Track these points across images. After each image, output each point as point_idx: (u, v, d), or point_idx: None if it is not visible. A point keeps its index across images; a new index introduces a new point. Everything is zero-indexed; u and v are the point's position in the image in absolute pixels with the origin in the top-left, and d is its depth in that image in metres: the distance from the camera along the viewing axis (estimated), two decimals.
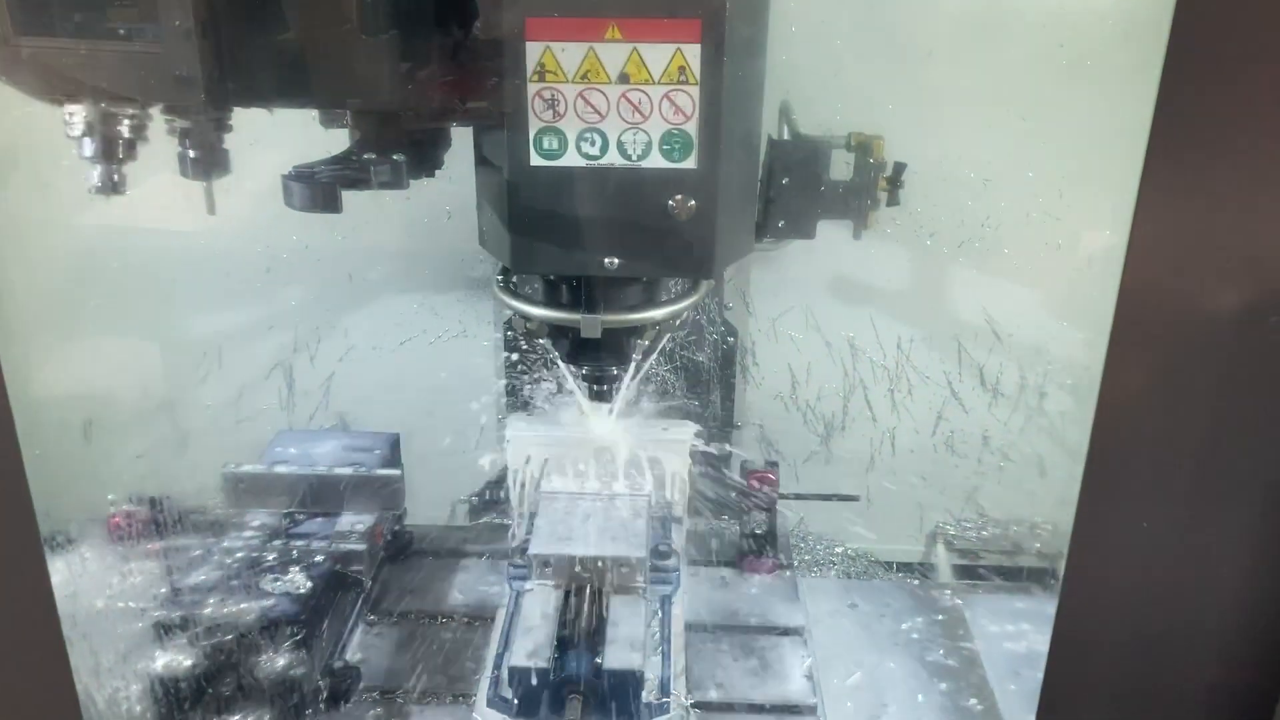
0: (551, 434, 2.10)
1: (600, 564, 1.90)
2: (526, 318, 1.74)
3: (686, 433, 2.13)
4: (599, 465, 2.10)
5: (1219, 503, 1.20)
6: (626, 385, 1.85)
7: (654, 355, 1.81)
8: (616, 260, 1.55)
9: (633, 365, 1.80)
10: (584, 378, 1.83)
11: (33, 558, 1.15)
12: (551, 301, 1.73)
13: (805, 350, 2.57)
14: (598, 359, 1.77)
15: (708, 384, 2.46)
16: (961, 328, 2.53)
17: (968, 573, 2.59)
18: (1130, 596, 1.26)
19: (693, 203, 1.50)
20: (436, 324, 2.62)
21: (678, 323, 1.77)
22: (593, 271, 1.58)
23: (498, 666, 1.85)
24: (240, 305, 2.60)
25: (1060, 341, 2.49)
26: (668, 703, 1.81)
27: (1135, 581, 1.25)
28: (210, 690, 1.83)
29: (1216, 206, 1.08)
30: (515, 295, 1.76)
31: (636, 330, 1.73)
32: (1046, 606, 2.41)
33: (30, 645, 1.19)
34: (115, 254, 2.49)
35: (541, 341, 1.76)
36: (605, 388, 1.84)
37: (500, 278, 1.80)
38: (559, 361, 1.81)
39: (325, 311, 2.61)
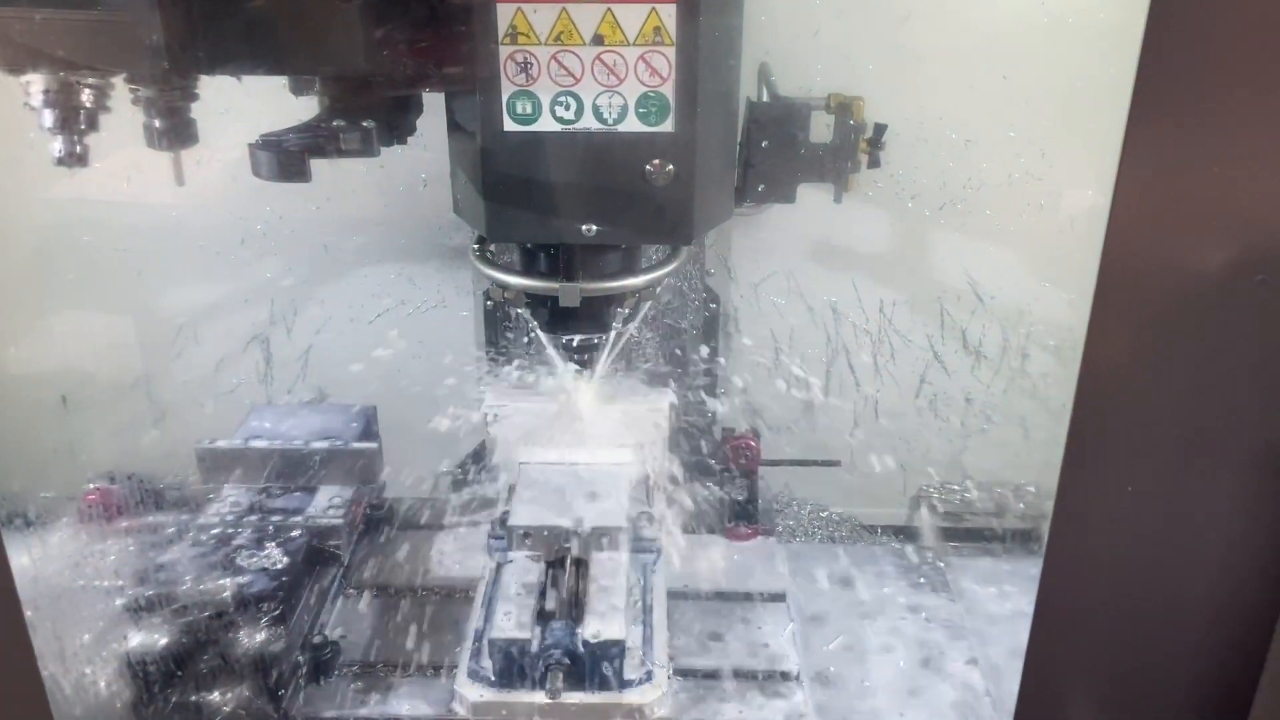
0: (530, 403, 2.08)
1: (580, 534, 1.89)
2: (504, 287, 1.72)
3: (664, 400, 2.11)
4: (578, 434, 2.08)
5: (1203, 464, 1.20)
6: (607, 355, 1.83)
7: (635, 323, 1.78)
8: (594, 227, 1.53)
9: (613, 334, 1.78)
10: (564, 347, 1.81)
11: None
12: (529, 270, 1.70)
13: (788, 315, 2.55)
14: (577, 328, 1.75)
15: (690, 351, 2.44)
16: (944, 290, 2.52)
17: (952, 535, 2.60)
18: (1115, 559, 1.25)
19: (671, 167, 1.47)
20: (415, 294, 2.59)
21: (658, 290, 1.75)
22: (570, 239, 1.56)
23: (478, 639, 1.84)
24: (215, 278, 2.56)
25: (1043, 302, 2.49)
26: (650, 671, 1.80)
27: (1120, 543, 1.24)
28: (188, 668, 1.82)
29: (1200, 166, 1.06)
30: (492, 264, 1.74)
31: (616, 298, 1.71)
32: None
33: None
34: (84, 227, 2.45)
35: (520, 311, 1.74)
36: (585, 357, 1.82)
37: (477, 246, 1.77)
38: (538, 331, 1.79)
39: (301, 283, 2.57)
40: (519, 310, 1.74)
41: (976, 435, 2.62)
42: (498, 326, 2.40)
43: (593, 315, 1.73)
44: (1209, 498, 1.21)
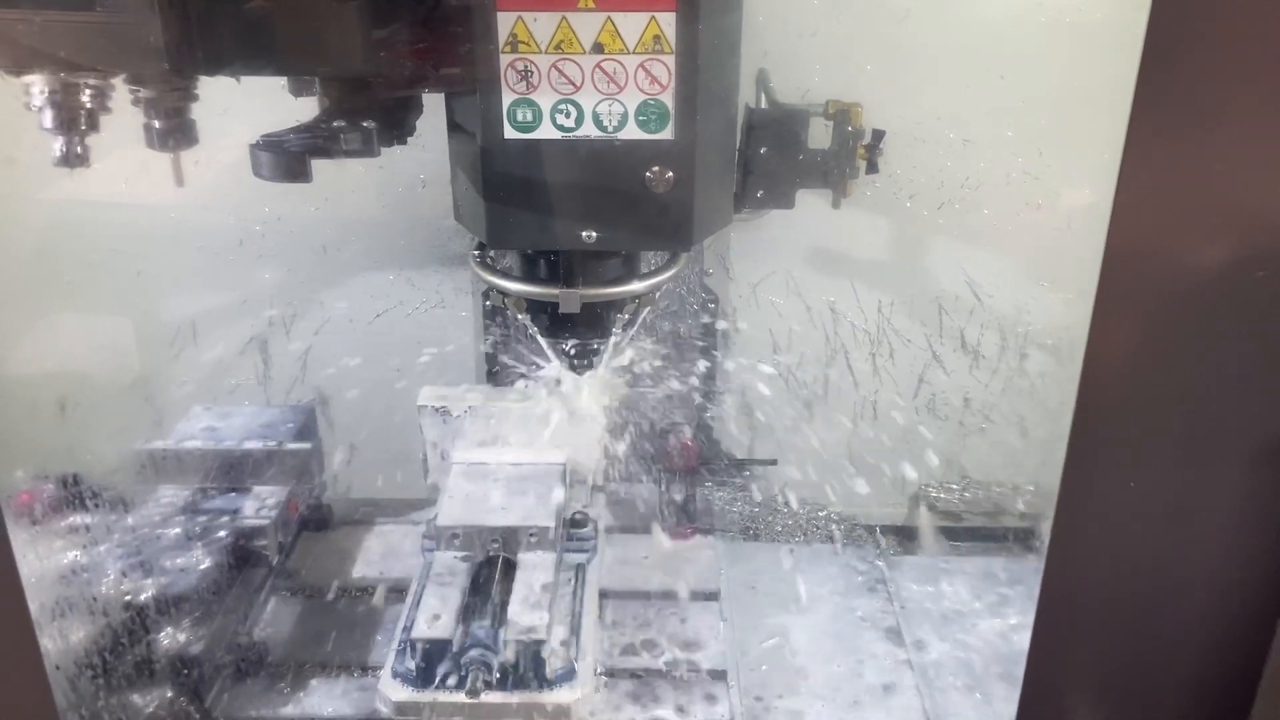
0: (465, 401, 2.07)
1: (509, 533, 1.89)
2: (504, 293, 1.72)
3: (600, 398, 2.11)
4: (514, 432, 2.07)
5: (1206, 461, 1.20)
6: (606, 360, 1.84)
7: (634, 328, 1.79)
8: (594, 234, 1.53)
9: (612, 339, 1.78)
10: (564, 352, 1.82)
11: None
12: (529, 276, 1.70)
13: (786, 315, 2.56)
14: (577, 333, 1.75)
15: (687, 351, 2.44)
16: (942, 290, 2.53)
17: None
18: (1117, 556, 1.26)
19: (670, 174, 1.47)
20: (414, 295, 2.59)
21: (657, 295, 1.75)
22: (570, 246, 1.56)
23: (404, 638, 1.84)
24: (213, 280, 2.56)
25: (1040, 302, 2.49)
26: (573, 669, 1.80)
27: (1122, 540, 1.25)
28: (110, 669, 1.80)
29: (1202, 162, 1.06)
30: (493, 270, 1.74)
31: (616, 304, 1.71)
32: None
33: None
34: (83, 228, 2.45)
35: (520, 317, 1.74)
36: (585, 361, 1.82)
37: (477, 252, 1.77)
38: (538, 336, 1.79)
39: (299, 285, 2.57)
40: (520, 315, 1.74)
41: (975, 434, 2.63)
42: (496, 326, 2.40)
43: (593, 320, 1.73)
44: (1212, 494, 1.21)
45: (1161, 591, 1.28)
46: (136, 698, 1.82)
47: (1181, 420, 1.19)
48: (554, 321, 1.73)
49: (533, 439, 2.08)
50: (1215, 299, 1.12)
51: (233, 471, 2.22)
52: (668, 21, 1.39)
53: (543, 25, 1.40)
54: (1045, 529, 2.57)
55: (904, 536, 2.61)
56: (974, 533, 2.62)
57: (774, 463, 2.57)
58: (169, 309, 2.58)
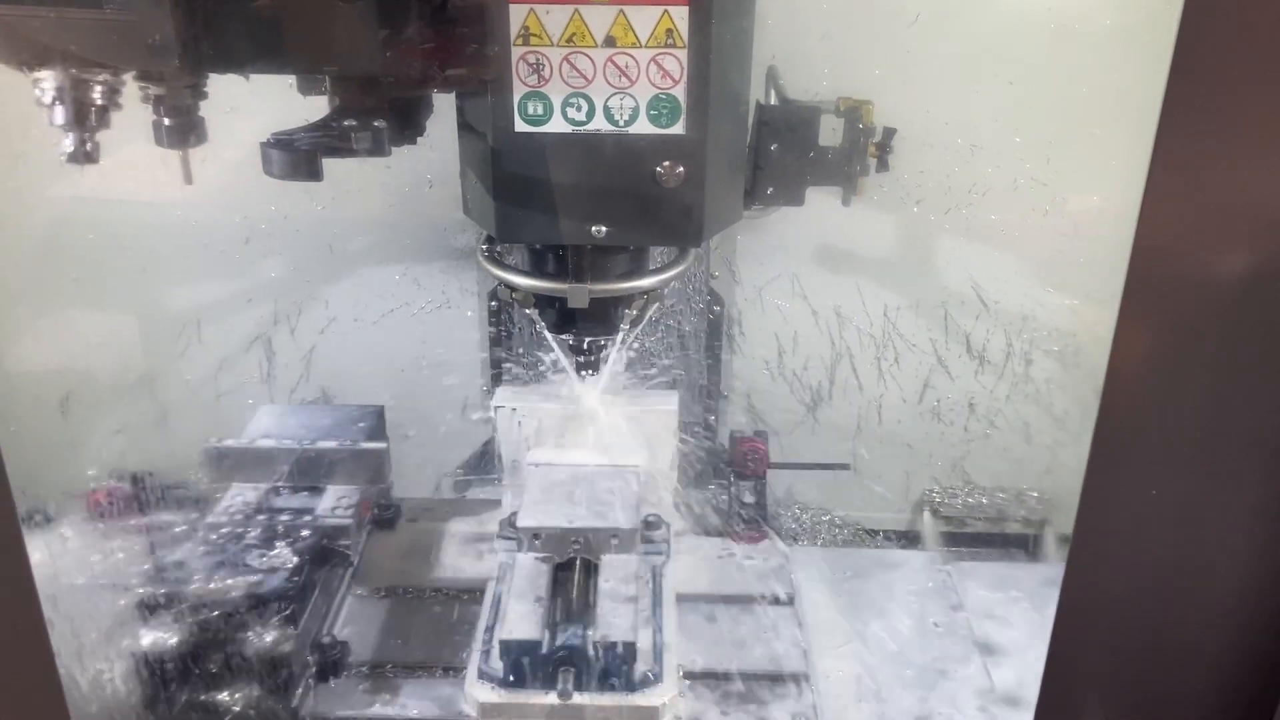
0: (540, 404, 2.08)
1: (591, 535, 1.89)
2: (512, 287, 1.72)
3: (672, 401, 2.12)
4: (587, 435, 2.08)
5: (1231, 468, 1.19)
6: (614, 356, 1.83)
7: (642, 325, 1.78)
8: (604, 229, 1.53)
9: (620, 335, 1.78)
10: (571, 348, 1.81)
11: (10, 538, 1.12)
12: (538, 271, 1.70)
13: (792, 319, 2.56)
14: (585, 329, 1.75)
15: (694, 353, 2.44)
16: (948, 296, 2.53)
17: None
18: (1138, 562, 1.25)
19: (681, 169, 1.47)
20: (420, 295, 2.59)
21: (665, 292, 1.75)
22: (580, 240, 1.56)
23: (488, 639, 1.84)
24: (220, 277, 2.56)
25: (1046, 308, 2.49)
26: (660, 672, 1.80)
27: (1144, 547, 1.24)
28: (197, 668, 1.81)
29: (1230, 167, 1.06)
30: (501, 265, 1.74)
31: (624, 300, 1.71)
32: None
33: (9, 627, 1.17)
34: (90, 225, 2.45)
35: (528, 311, 1.74)
36: (593, 358, 1.82)
37: (485, 247, 1.77)
38: (545, 331, 1.79)
39: (305, 283, 2.57)
40: (527, 310, 1.74)
41: (980, 440, 2.62)
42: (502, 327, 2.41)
43: (601, 316, 1.72)
44: (1235, 501, 1.20)
45: (1183, 598, 1.27)
46: (224, 696, 1.83)
47: (1205, 426, 1.18)
48: (562, 317, 1.73)
49: (608, 441, 2.09)
50: (1240, 305, 1.11)
51: (306, 471, 2.22)
52: (680, 15, 1.39)
53: (555, 18, 1.40)
54: (1048, 534, 2.58)
55: (908, 541, 2.60)
56: (976, 538, 2.61)
57: (847, 467, 2.55)
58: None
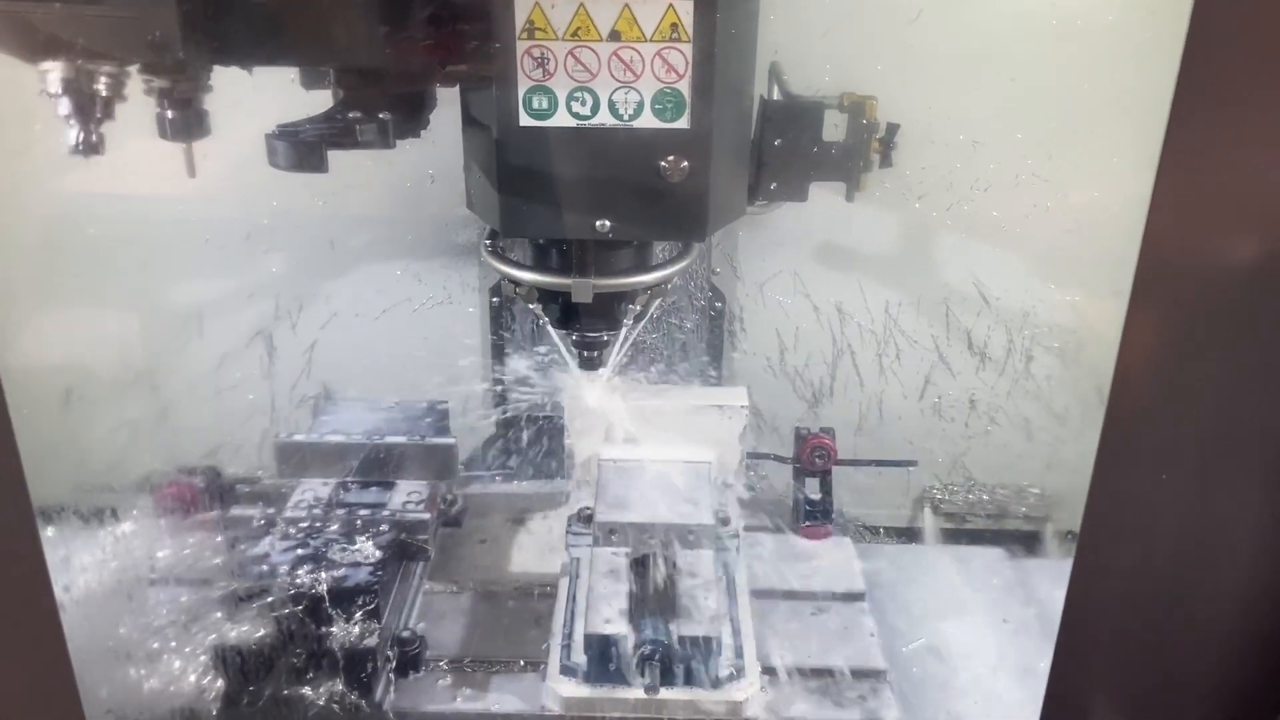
0: (610, 399, 2.08)
1: (668, 531, 1.89)
2: (516, 282, 1.72)
3: (742, 396, 2.13)
4: (656, 431, 2.07)
5: (1237, 462, 1.19)
6: (617, 352, 1.83)
7: (645, 321, 1.78)
8: (608, 223, 1.53)
9: (623, 331, 1.78)
10: (575, 344, 1.81)
11: (26, 533, 1.12)
12: (541, 266, 1.70)
13: (793, 315, 2.56)
14: (589, 325, 1.75)
15: (694, 350, 2.44)
16: (950, 292, 2.53)
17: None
18: (1146, 558, 1.25)
19: (685, 164, 1.48)
20: (421, 291, 2.59)
21: (668, 287, 1.75)
22: (584, 235, 1.56)
23: (567, 634, 1.84)
24: (221, 272, 2.56)
25: (1048, 304, 2.49)
26: (743, 667, 1.80)
27: (1151, 543, 1.24)
28: (281, 661, 1.83)
29: (1238, 163, 1.06)
30: (504, 259, 1.74)
31: (628, 295, 1.71)
32: None
33: (25, 623, 1.17)
34: (91, 219, 2.45)
35: (531, 307, 1.74)
36: (595, 354, 1.82)
37: (488, 241, 1.77)
38: (549, 327, 1.79)
39: (307, 279, 2.57)
40: (530, 306, 1.74)
41: (980, 437, 2.62)
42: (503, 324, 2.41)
43: (604, 312, 1.73)
44: (1242, 496, 1.21)
45: (1190, 591, 1.27)
46: (308, 690, 1.84)
47: (1213, 419, 1.18)
48: (565, 312, 1.73)
49: (678, 435, 2.08)
50: (1248, 299, 1.12)
51: (373, 466, 2.23)
52: (686, 10, 1.40)
53: (560, 12, 1.40)
54: (1047, 531, 2.58)
55: (909, 538, 2.60)
56: (977, 535, 2.61)
57: (914, 464, 2.55)
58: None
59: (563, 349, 1.87)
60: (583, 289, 1.64)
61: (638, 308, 1.73)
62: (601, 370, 1.90)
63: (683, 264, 1.73)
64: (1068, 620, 1.27)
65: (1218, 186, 1.07)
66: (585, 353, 1.84)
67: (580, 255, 1.63)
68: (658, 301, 1.76)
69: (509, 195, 1.54)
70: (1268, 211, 1.07)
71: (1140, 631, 1.29)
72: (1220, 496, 1.21)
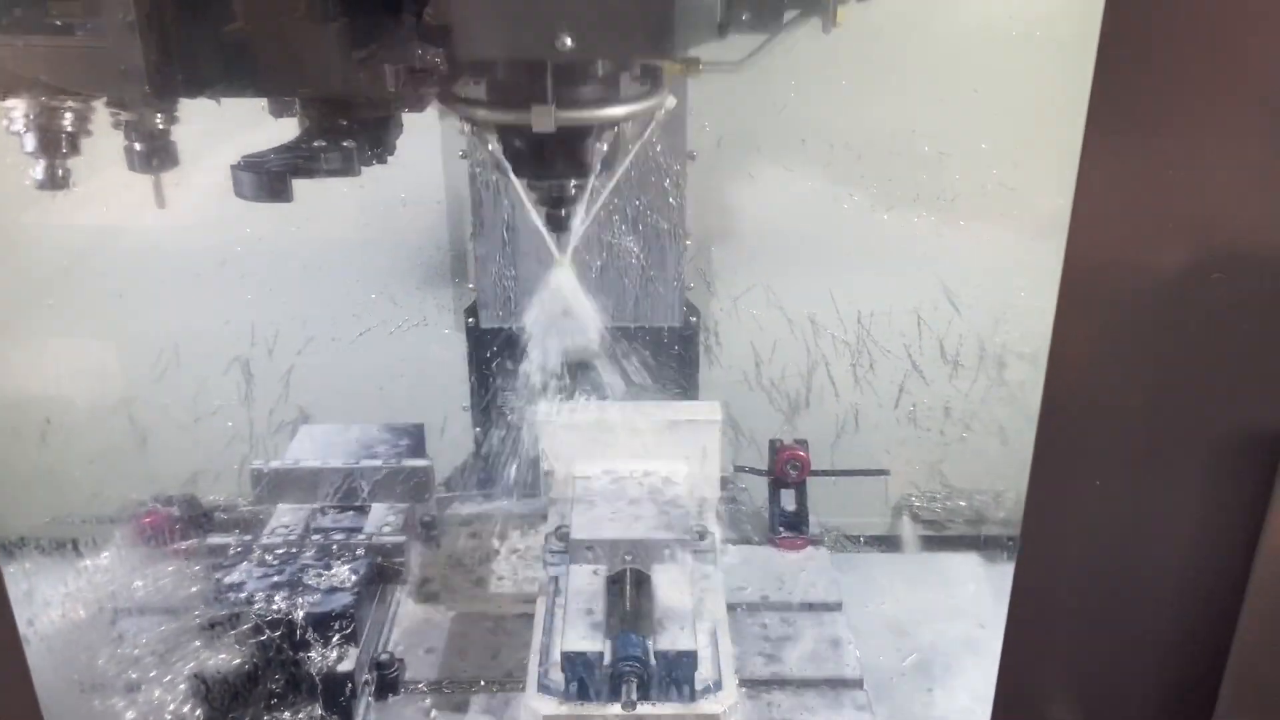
0: (583, 418, 2.09)
1: (644, 546, 1.90)
2: (472, 121, 1.57)
3: (716, 411, 2.13)
4: (631, 448, 2.08)
5: (1169, 460, 1.22)
6: (585, 208, 1.67)
7: (617, 173, 1.63)
8: (569, 40, 1.34)
9: (590, 183, 1.62)
10: (540, 201, 1.66)
11: None
12: (499, 101, 1.53)
13: (768, 328, 2.57)
14: (554, 170, 1.60)
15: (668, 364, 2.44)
16: (920, 302, 2.55)
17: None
18: (1085, 555, 1.28)
19: None
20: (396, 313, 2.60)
21: (644, 133, 1.62)
22: (543, 55, 1.40)
23: (545, 652, 1.83)
24: (195, 300, 2.56)
25: (1017, 311, 2.51)
26: (720, 680, 1.79)
27: (1090, 539, 1.27)
28: (259, 687, 1.83)
29: (1157, 169, 1.09)
30: (460, 100, 1.57)
31: (593, 133, 1.55)
32: None
33: None
34: (64, 250, 2.45)
35: (490, 148, 1.58)
36: (562, 212, 1.66)
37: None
38: (512, 177, 1.62)
39: (281, 304, 2.57)
40: (490, 148, 1.59)
41: (956, 443, 2.64)
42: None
43: (569, 154, 1.57)
44: (1175, 493, 1.23)
45: (1129, 589, 1.30)
46: (287, 715, 1.84)
47: (1144, 420, 1.21)
48: (530, 157, 1.59)
49: (653, 451, 2.10)
50: (1173, 302, 1.14)
51: (349, 491, 2.23)
52: None
53: None
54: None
55: (888, 546, 2.62)
56: (955, 541, 2.63)
57: (886, 473, 2.56)
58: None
59: (529, 206, 1.69)
60: (543, 116, 1.46)
61: (604, 147, 1.58)
62: (568, 234, 1.70)
63: (651, 101, 1.57)
64: (1012, 621, 1.30)
65: (1139, 193, 1.10)
66: (551, 210, 1.67)
67: (539, 79, 1.46)
68: (629, 158, 1.63)
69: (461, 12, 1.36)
70: (1191, 216, 1.10)
71: (1082, 630, 1.31)
72: (1154, 497, 1.23)
